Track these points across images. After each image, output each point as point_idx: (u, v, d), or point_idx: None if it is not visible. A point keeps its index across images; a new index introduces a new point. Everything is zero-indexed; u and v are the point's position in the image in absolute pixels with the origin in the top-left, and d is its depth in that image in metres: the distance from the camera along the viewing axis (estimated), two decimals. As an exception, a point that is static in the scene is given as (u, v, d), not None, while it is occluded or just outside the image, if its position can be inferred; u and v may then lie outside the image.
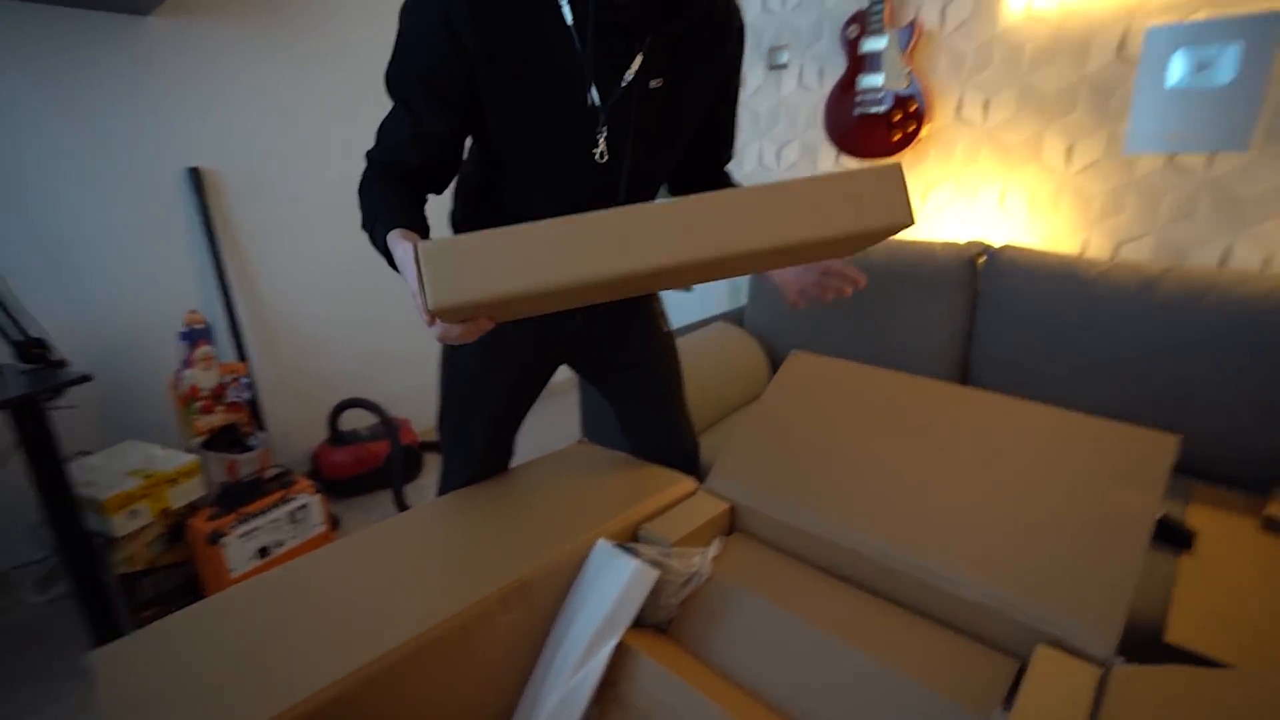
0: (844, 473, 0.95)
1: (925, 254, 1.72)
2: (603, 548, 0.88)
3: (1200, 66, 1.52)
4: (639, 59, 0.84)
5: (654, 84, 0.88)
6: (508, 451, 1.14)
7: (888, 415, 0.97)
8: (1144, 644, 0.89)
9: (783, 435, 1.04)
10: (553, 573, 0.85)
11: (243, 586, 0.80)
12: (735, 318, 2.07)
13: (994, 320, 1.62)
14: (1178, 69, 1.54)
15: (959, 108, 1.88)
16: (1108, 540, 0.75)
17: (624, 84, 0.85)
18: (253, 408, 1.90)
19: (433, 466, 2.16)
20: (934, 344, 1.68)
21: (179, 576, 1.56)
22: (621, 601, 0.82)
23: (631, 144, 0.90)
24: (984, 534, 0.82)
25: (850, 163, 2.11)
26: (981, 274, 1.67)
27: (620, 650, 0.81)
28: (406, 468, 2.05)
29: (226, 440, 1.77)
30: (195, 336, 1.75)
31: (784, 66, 2.22)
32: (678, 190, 1.13)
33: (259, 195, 1.99)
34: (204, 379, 1.76)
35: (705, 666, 0.85)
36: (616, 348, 1.12)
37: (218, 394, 1.79)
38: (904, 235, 2.03)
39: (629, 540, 0.93)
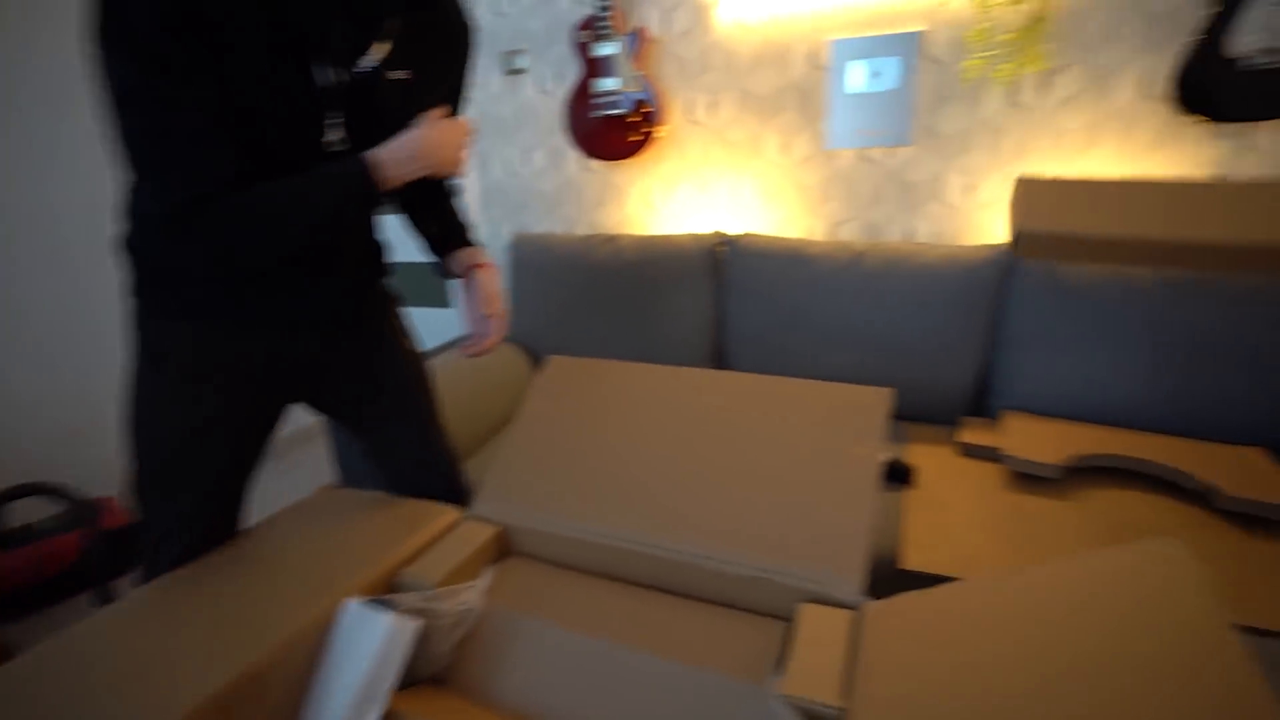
0: (611, 473, 0.93)
1: (672, 247, 1.80)
2: (351, 610, 0.76)
3: (874, 74, 1.77)
4: (383, 48, 0.78)
5: (396, 75, 0.81)
6: (232, 516, 0.95)
7: (646, 409, 0.96)
8: (894, 577, 1.00)
9: (546, 445, 1.00)
10: (292, 655, 0.71)
11: None
12: (501, 330, 2.00)
13: (739, 303, 1.74)
14: (857, 76, 1.78)
15: (689, 110, 2.00)
16: (843, 493, 0.81)
17: (360, 69, 0.77)
18: None
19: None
20: (690, 331, 1.77)
21: None
22: (379, 666, 0.71)
23: (377, 136, 0.81)
24: (741, 508, 0.85)
25: (594, 165, 2.14)
26: (724, 262, 1.79)
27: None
28: (114, 559, 1.66)
29: None
30: None
31: (522, 71, 2.20)
32: (405, 202, 1.05)
33: None
34: None
35: (489, 710, 0.78)
36: (358, 376, 1.00)
37: None
38: (651, 230, 2.12)
39: (386, 592, 0.82)
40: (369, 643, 0.72)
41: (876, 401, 0.90)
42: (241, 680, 0.66)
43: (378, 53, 0.79)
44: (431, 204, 1.07)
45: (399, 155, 0.80)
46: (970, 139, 1.74)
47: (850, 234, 1.92)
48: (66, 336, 1.88)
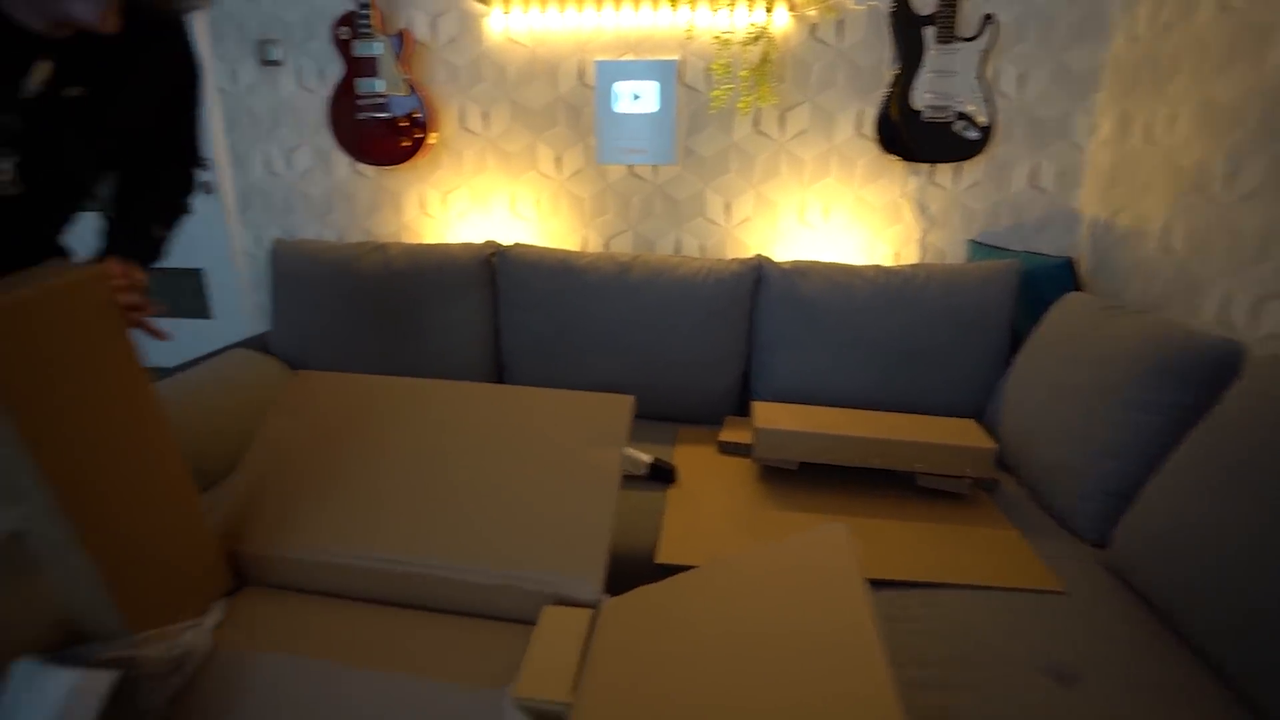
0: (355, 492, 0.90)
1: (445, 257, 1.77)
2: (21, 671, 0.65)
3: (636, 96, 1.88)
4: (46, 67, 0.69)
5: (72, 92, 0.73)
6: None
7: (393, 423, 0.94)
8: (653, 573, 1.06)
9: (288, 466, 0.94)
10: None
11: None
12: (258, 344, 1.82)
13: (513, 313, 1.76)
14: (621, 97, 1.89)
15: (462, 118, 1.98)
16: (584, 497, 0.86)
17: (24, 95, 0.68)
18: None
19: None
20: (465, 342, 1.76)
21: None
22: (55, 734, 0.62)
23: (58, 169, 0.75)
24: (487, 518, 0.86)
25: (365, 169, 2.04)
26: (498, 271, 1.80)
27: (64, 797, 0.62)
28: None
29: None
30: None
31: (278, 63, 2.03)
32: (124, 199, 0.93)
33: None
34: None
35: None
36: None
37: None
38: (429, 238, 2.07)
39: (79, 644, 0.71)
40: (44, 710, 0.62)
41: (618, 408, 0.97)
42: None
43: (40, 73, 0.70)
44: (138, 204, 0.95)
45: None
46: (725, 162, 1.92)
47: (623, 246, 2.02)
48: None
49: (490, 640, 0.78)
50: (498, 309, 1.79)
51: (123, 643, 0.71)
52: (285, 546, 0.85)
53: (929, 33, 1.71)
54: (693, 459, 1.52)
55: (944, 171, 1.87)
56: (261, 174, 2.12)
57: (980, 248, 1.87)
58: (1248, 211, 1.28)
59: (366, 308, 1.73)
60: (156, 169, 0.95)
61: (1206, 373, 1.14)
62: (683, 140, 1.91)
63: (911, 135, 1.77)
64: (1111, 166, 1.72)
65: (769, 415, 1.45)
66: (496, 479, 0.87)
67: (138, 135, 0.87)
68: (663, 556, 1.13)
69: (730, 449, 1.56)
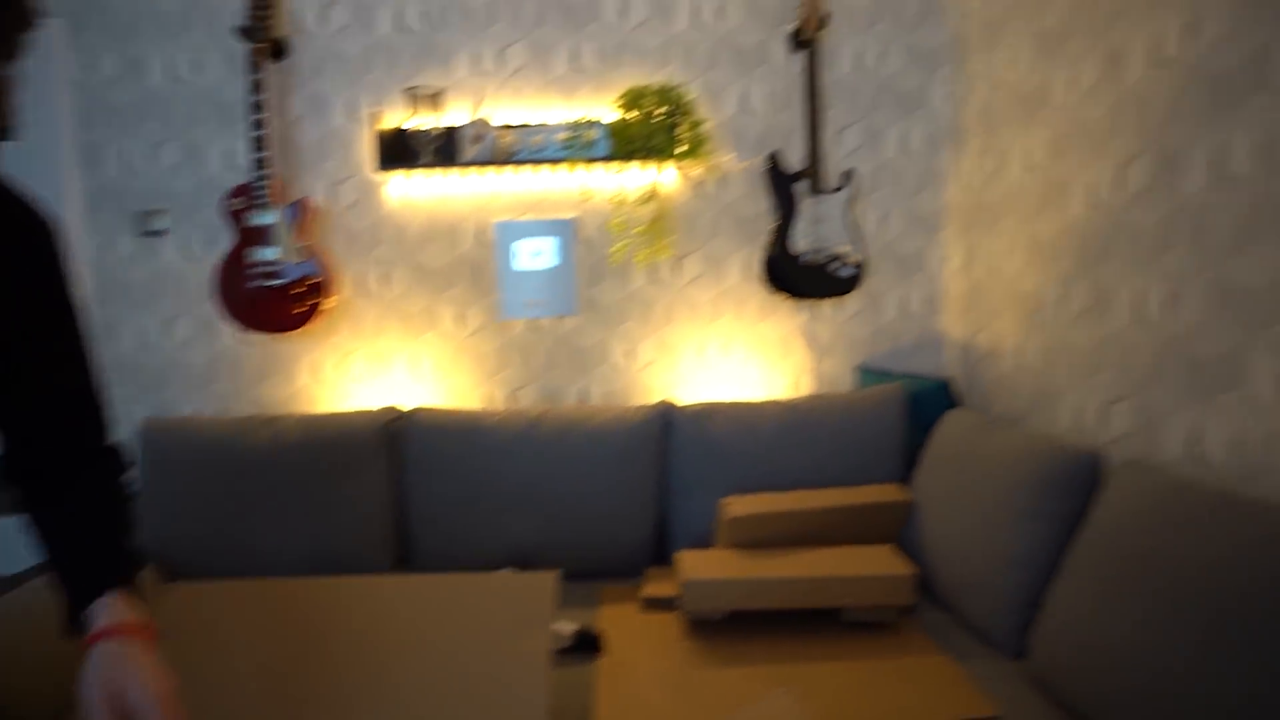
0: (263, 709, 0.78)
1: (342, 426, 1.69)
2: None
3: (536, 253, 1.95)
4: None
5: None
6: None
7: (287, 631, 0.84)
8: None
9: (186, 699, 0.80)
10: None
11: None
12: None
13: (418, 480, 1.68)
14: (521, 254, 1.95)
15: (361, 281, 1.97)
16: (513, 690, 0.79)
17: None
18: None
19: None
20: (366, 517, 1.64)
21: None
22: None
23: None
24: (414, 716, 0.76)
25: (256, 337, 1.96)
26: (399, 439, 1.73)
27: None
28: None
29: None
30: None
31: (161, 233, 1.96)
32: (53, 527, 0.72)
33: None
34: None
35: None
36: None
37: None
38: (326, 406, 1.97)
39: None
40: None
41: (541, 586, 0.91)
42: None
43: None
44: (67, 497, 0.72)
45: None
46: (626, 310, 2.00)
47: (528, 398, 2.01)
48: None
49: None
50: (402, 477, 1.70)
51: None
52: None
53: (800, 186, 1.90)
54: (618, 620, 1.45)
55: (827, 305, 2.02)
56: (132, 346, 1.98)
57: (868, 373, 2.00)
58: (1080, 329, 1.45)
59: (255, 490, 1.59)
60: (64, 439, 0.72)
61: (1074, 482, 1.24)
62: (583, 291, 1.98)
63: (795, 276, 1.92)
64: (966, 293, 1.93)
65: (694, 564, 1.42)
66: (420, 680, 0.78)
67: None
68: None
69: (655, 604, 1.51)
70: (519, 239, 1.95)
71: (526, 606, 0.89)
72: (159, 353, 1.99)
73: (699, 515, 1.68)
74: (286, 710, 0.78)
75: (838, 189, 1.92)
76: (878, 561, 1.42)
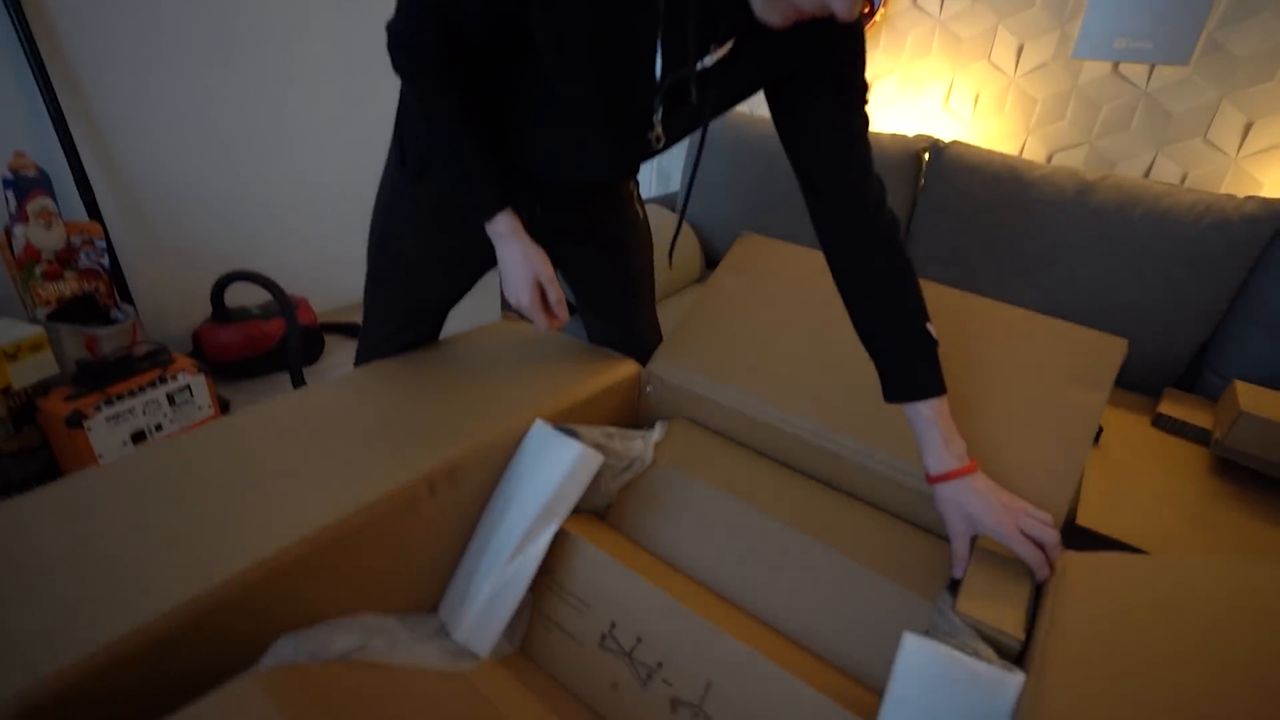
0: (795, 358, 0.91)
1: (874, 146, 1.66)
2: (541, 430, 0.80)
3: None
4: (729, 44, 0.68)
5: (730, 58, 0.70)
6: (434, 332, 1.03)
7: (835, 301, 0.92)
8: (1065, 532, 0.93)
9: (730, 318, 0.98)
10: (484, 456, 0.77)
11: (110, 468, 0.67)
12: (668, 202, 1.97)
13: (933, 215, 1.60)
14: (1136, -31, 1.50)
15: (916, -6, 1.79)
16: (1055, 434, 0.75)
17: (700, 67, 0.69)
18: (114, 277, 1.64)
19: (335, 350, 1.98)
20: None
21: (36, 464, 1.36)
22: (563, 487, 0.76)
23: (685, 127, 0.78)
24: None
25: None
26: (926, 169, 1.64)
27: (559, 537, 0.76)
28: (306, 350, 1.87)
29: (82, 312, 1.52)
30: (26, 186, 1.45)
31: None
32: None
33: (98, 19, 1.63)
34: (45, 238, 1.48)
35: (647, 553, 0.82)
36: (583, 232, 0.99)
37: (66, 258, 1.52)
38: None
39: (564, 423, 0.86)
40: (558, 465, 0.76)
41: (1110, 351, 0.81)
42: (443, 468, 0.72)
43: (724, 50, 0.69)
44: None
45: (513, 259, 0.81)
46: (1271, 66, 1.44)
47: (1072, 162, 1.69)
48: (278, 143, 2.03)
49: (916, 546, 0.75)
50: (913, 210, 1.65)
51: (603, 433, 0.83)
52: (722, 392, 0.91)
53: None
54: (1118, 424, 1.28)
55: None
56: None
57: None
58: None
59: (776, 188, 1.73)
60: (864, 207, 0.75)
61: None
62: (1209, 32, 1.47)
63: None
64: None
65: (1254, 400, 1.13)
66: (961, 391, 0.80)
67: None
68: (1087, 519, 0.98)
69: (1171, 426, 1.28)
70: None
71: (1090, 363, 0.81)
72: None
73: (1264, 357, 1.31)
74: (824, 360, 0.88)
75: None
76: None
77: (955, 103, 1.81)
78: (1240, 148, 1.50)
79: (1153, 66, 1.54)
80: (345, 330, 2.08)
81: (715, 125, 1.90)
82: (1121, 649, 0.54)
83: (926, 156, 1.66)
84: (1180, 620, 0.57)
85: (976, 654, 0.57)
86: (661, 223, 1.79)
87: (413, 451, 0.72)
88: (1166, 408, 1.30)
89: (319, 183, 2.10)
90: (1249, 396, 1.14)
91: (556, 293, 0.83)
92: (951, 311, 0.87)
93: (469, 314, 1.13)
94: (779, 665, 0.63)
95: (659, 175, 2.45)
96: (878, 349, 0.77)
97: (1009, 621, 0.62)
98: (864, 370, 0.78)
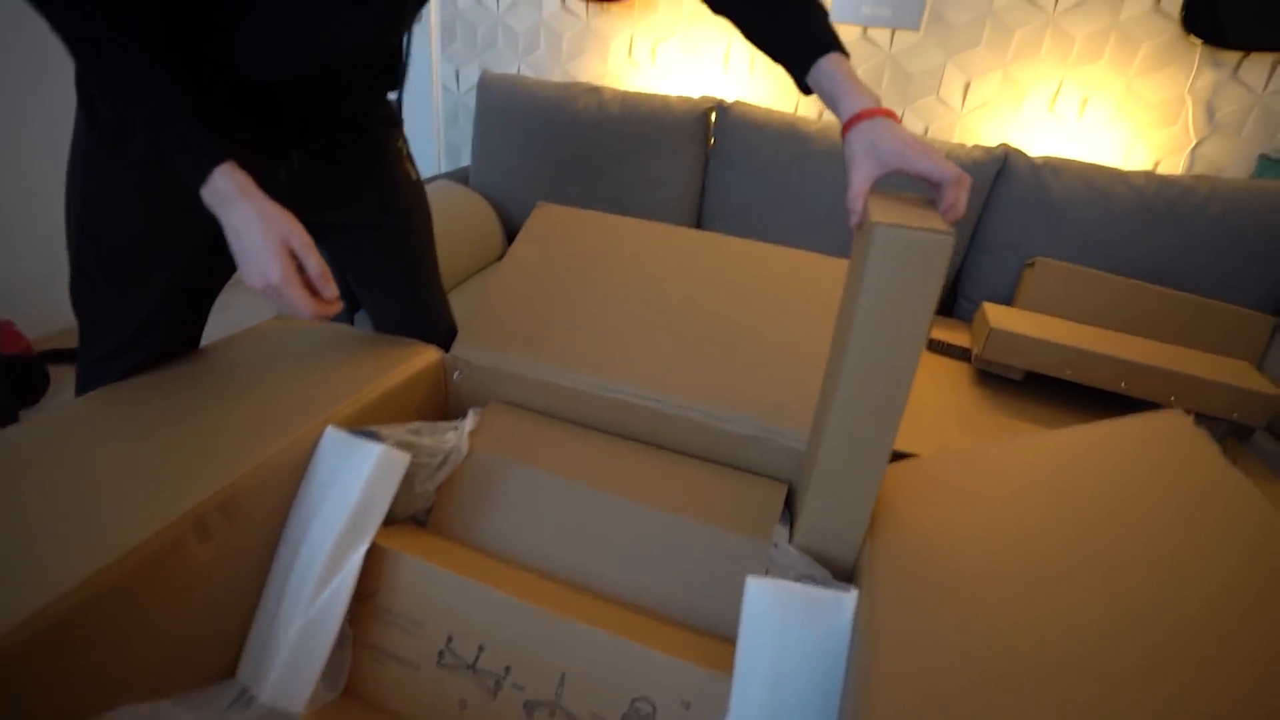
0: (602, 324, 0.88)
1: (661, 106, 1.68)
2: (333, 437, 0.70)
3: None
4: None
5: None
6: (187, 340, 0.85)
7: (637, 263, 0.91)
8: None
9: (534, 291, 0.93)
10: (265, 480, 0.65)
11: None
12: (459, 177, 1.85)
13: (724, 173, 1.67)
14: (872, -59, 1.65)
15: (683, -42, 1.82)
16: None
17: None
18: None
19: (65, 385, 1.63)
20: (669, 198, 1.69)
21: None
22: (368, 497, 0.66)
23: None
24: (740, 369, 0.82)
25: (576, 7, 1.93)
26: (714, 129, 1.69)
27: (372, 554, 0.67)
28: (18, 387, 1.51)
29: None
30: None
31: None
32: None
33: None
34: None
35: (476, 552, 0.75)
36: (348, 193, 0.87)
37: None
38: (636, 88, 1.97)
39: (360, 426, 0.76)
40: (358, 473, 0.67)
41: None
42: (212, 502, 0.59)
43: None
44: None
45: (228, 214, 0.63)
46: (979, 31, 1.67)
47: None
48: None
49: (743, 490, 0.77)
50: (706, 168, 1.70)
51: (409, 429, 0.75)
52: (533, 368, 0.86)
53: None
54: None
55: (1256, 64, 1.53)
56: (469, 4, 2.07)
57: (1273, 164, 1.56)
58: None
59: (573, 151, 1.69)
60: None
61: None
62: (933, 3, 1.66)
63: (1234, 14, 1.44)
64: None
65: (1002, 317, 1.32)
66: (751, 332, 0.82)
67: None
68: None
69: (938, 348, 1.45)
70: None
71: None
72: (488, 14, 2.06)
73: (999, 278, 1.53)
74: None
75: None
76: (1230, 373, 1.21)
77: (734, 65, 1.88)
78: (963, 104, 1.73)
79: (893, 32, 1.72)
80: (74, 357, 1.71)
81: (496, 83, 1.80)
82: (938, 538, 0.59)
83: (714, 116, 1.71)
84: (982, 500, 0.63)
85: (813, 579, 0.59)
86: (455, 198, 1.70)
87: (168, 488, 0.59)
88: (934, 333, 1.47)
89: (24, 177, 1.69)
90: (996, 315, 1.32)
91: (318, 262, 0.67)
92: (732, 257, 0.89)
93: (245, 320, 0.96)
94: (631, 639, 0.61)
95: (448, 150, 2.30)
96: (772, 42, 0.72)
97: (840, 545, 0.65)
98: (675, 330, 0.78)
